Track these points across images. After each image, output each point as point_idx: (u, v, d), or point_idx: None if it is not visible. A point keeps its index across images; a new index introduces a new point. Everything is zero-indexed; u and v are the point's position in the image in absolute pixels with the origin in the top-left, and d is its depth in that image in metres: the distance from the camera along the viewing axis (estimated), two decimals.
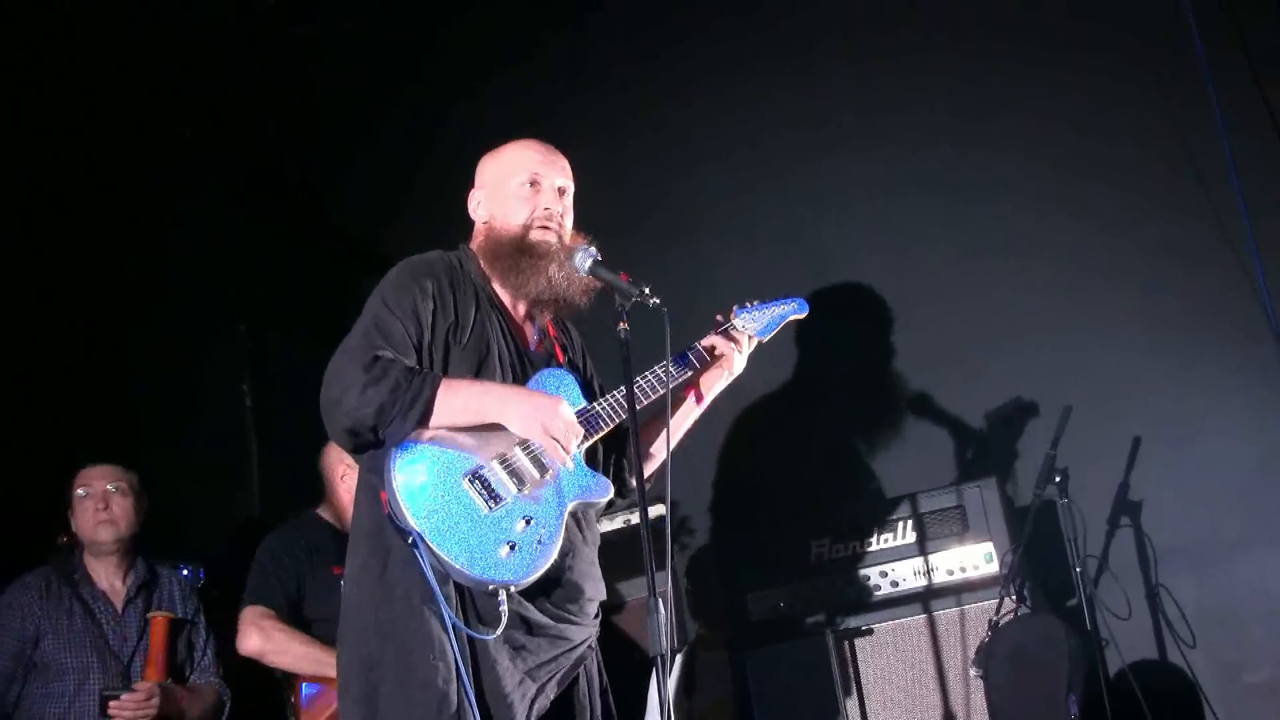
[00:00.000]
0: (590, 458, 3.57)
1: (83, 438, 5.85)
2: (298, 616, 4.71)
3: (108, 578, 4.94)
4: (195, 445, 6.37)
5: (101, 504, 4.90)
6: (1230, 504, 4.94)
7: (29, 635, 4.73)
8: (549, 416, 3.32)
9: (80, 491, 4.93)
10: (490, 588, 3.22)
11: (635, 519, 4.86)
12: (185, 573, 5.27)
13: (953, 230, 5.53)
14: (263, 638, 4.61)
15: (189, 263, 6.67)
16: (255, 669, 4.79)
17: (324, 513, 5.00)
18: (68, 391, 5.93)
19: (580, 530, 3.48)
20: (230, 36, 6.64)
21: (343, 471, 4.93)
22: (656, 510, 4.40)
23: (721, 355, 3.73)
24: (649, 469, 3.70)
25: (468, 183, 3.75)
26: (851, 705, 4.86)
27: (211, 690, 4.96)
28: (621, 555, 4.44)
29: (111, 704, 4.59)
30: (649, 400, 3.55)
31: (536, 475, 3.36)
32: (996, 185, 5.48)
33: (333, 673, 4.39)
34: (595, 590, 3.51)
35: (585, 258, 3.50)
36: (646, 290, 3.35)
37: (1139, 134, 5.21)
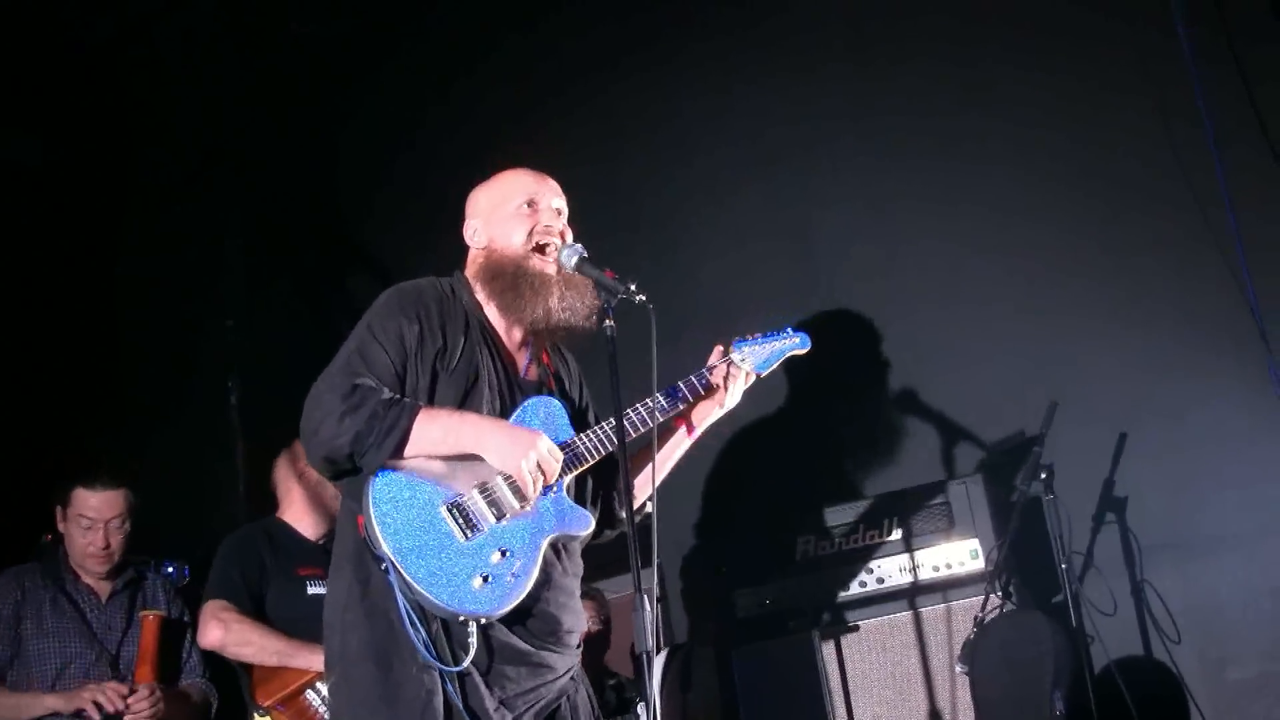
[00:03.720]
0: (580, 489, 3.55)
1: (69, 434, 5.84)
2: (260, 613, 4.72)
3: (93, 577, 4.93)
4: (181, 442, 6.36)
5: (102, 542, 4.86)
6: (1215, 500, 4.94)
7: (9, 618, 4.73)
8: (526, 449, 3.29)
9: (83, 522, 4.85)
10: (461, 618, 3.22)
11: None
12: (170, 570, 5.26)
13: (941, 228, 5.54)
14: (223, 630, 4.61)
15: (178, 260, 6.67)
16: None
17: (285, 517, 5.03)
18: (55, 388, 5.93)
19: (560, 561, 3.45)
20: (231, 35, 6.61)
21: (300, 470, 4.99)
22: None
23: (716, 388, 3.67)
24: (636, 503, 3.58)
25: (462, 187, 3.74)
26: (837, 702, 4.87)
27: (199, 691, 4.97)
28: (609, 552, 4.44)
29: (131, 699, 4.58)
30: (637, 434, 3.49)
31: (516, 506, 3.34)
32: (983, 183, 5.49)
33: (295, 663, 4.51)
34: (573, 621, 3.48)
35: (571, 254, 3.49)
36: (633, 287, 3.34)
37: (1125, 131, 5.22)
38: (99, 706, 4.56)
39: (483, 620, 3.24)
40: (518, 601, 3.27)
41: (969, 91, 5.59)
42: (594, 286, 3.45)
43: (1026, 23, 5.48)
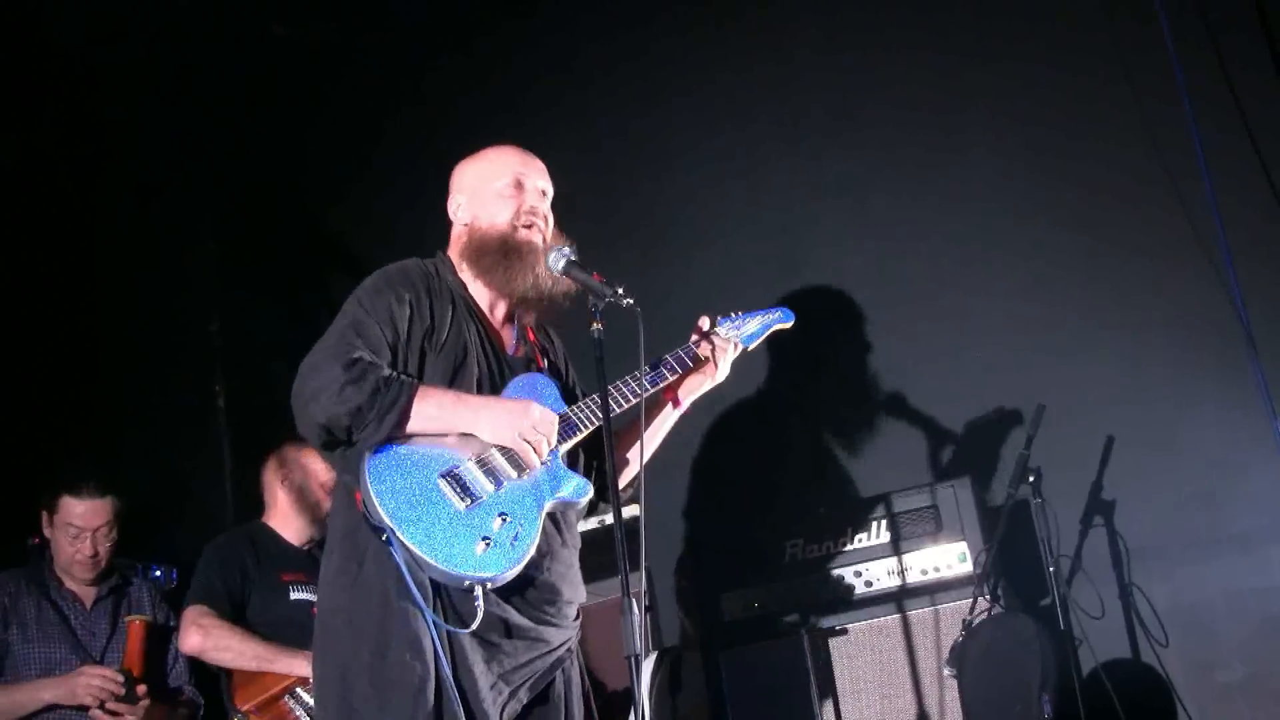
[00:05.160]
0: (572, 463, 3.54)
1: (55, 437, 5.82)
2: (241, 619, 4.74)
3: (79, 583, 4.91)
4: (168, 445, 6.34)
5: (90, 550, 4.83)
6: (1202, 504, 4.96)
7: None
8: (519, 419, 3.32)
9: (70, 530, 4.82)
10: (466, 583, 3.19)
11: (610, 519, 4.86)
12: (158, 574, 5.24)
13: (927, 231, 5.55)
14: (202, 635, 4.64)
15: (161, 263, 6.64)
16: None
17: (270, 522, 5.04)
18: (40, 392, 5.90)
19: (559, 532, 3.45)
20: (208, 35, 6.59)
21: (285, 475, 5.02)
22: (631, 511, 4.39)
23: (703, 361, 3.68)
24: (628, 476, 3.69)
25: (440, 182, 3.73)
26: (826, 705, 4.86)
27: (185, 697, 4.95)
28: (596, 555, 4.43)
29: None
30: (626, 407, 3.51)
31: (513, 474, 3.34)
32: (970, 186, 5.50)
33: (274, 668, 4.55)
34: (573, 592, 3.48)
35: (559, 257, 3.49)
36: (620, 290, 3.34)
37: (1111, 134, 5.24)
38: (100, 701, 4.56)
39: (489, 585, 3.21)
40: (522, 565, 3.25)
41: (956, 93, 5.59)
42: (582, 289, 3.45)
43: (1012, 24, 5.49)
